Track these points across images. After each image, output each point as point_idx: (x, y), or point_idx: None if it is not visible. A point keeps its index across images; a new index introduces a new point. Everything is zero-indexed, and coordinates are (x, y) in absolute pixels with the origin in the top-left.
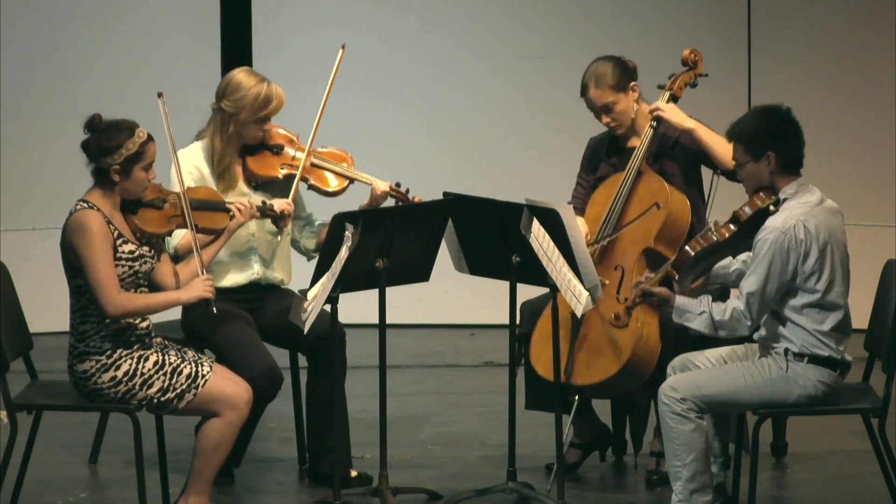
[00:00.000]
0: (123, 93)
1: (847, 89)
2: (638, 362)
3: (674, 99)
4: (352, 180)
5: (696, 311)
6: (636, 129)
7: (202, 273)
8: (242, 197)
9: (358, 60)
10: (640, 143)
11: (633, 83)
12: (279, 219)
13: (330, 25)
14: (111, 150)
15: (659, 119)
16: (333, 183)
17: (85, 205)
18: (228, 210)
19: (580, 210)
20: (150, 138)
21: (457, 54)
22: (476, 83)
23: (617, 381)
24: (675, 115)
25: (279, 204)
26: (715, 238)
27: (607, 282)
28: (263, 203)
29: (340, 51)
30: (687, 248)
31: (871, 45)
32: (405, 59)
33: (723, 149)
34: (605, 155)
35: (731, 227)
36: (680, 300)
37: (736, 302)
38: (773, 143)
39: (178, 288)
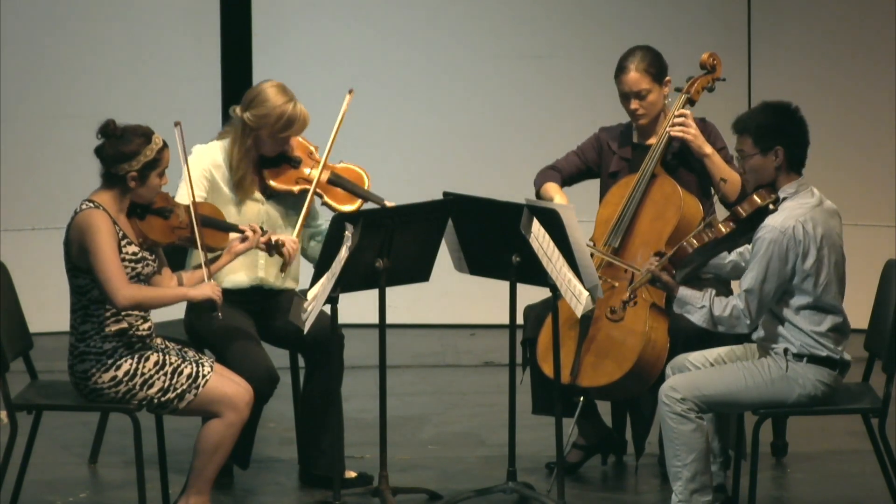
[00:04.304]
0: (123, 93)
1: (847, 89)
2: (644, 366)
3: (690, 102)
4: (365, 199)
5: (696, 305)
6: (656, 126)
7: (209, 280)
8: (255, 204)
9: (358, 60)
10: (654, 147)
11: (667, 78)
12: (283, 262)
13: (330, 25)
14: (129, 156)
15: (679, 137)
16: (347, 202)
17: (91, 204)
18: (231, 230)
19: (557, 171)
20: (165, 145)
21: (458, 54)
22: (477, 83)
23: (622, 385)
24: (698, 138)
25: (288, 245)
26: (713, 235)
27: (617, 284)
28: (271, 240)
29: (347, 96)
30: (685, 243)
31: (870, 45)
32: (406, 58)
33: (729, 183)
34: (618, 147)
35: (731, 223)
36: (683, 291)
37: (737, 300)
38: (782, 138)
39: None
